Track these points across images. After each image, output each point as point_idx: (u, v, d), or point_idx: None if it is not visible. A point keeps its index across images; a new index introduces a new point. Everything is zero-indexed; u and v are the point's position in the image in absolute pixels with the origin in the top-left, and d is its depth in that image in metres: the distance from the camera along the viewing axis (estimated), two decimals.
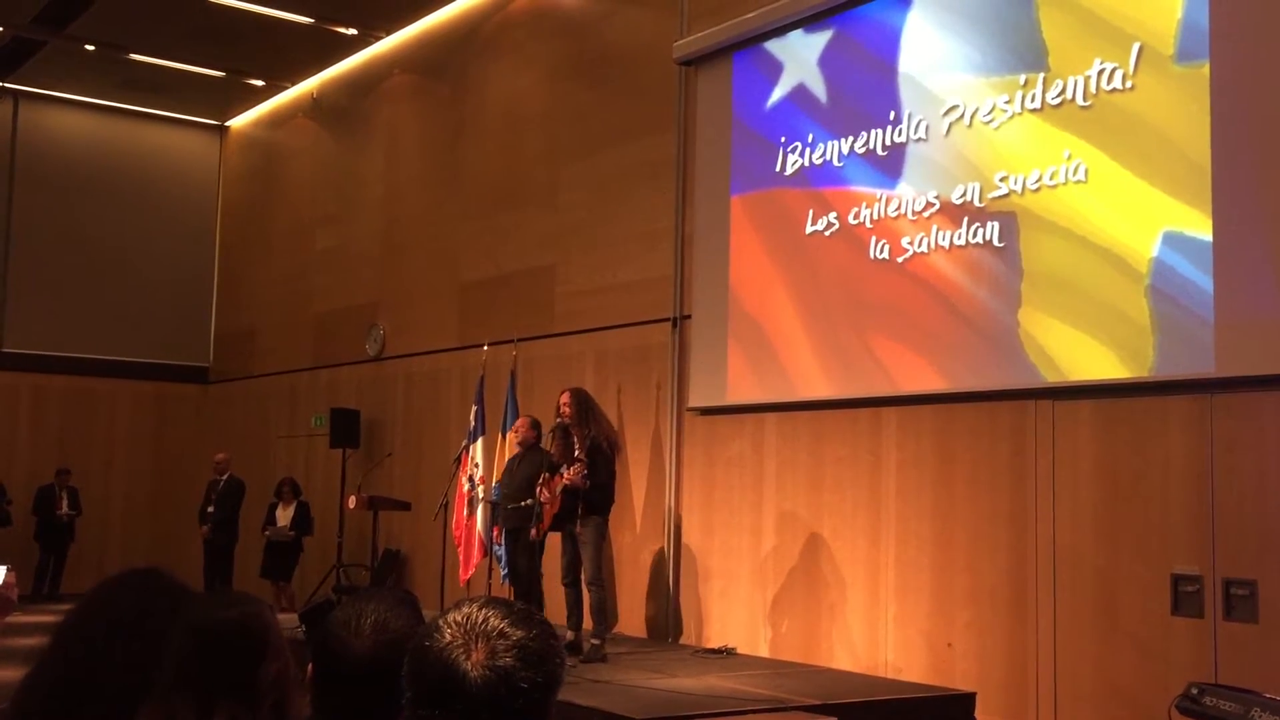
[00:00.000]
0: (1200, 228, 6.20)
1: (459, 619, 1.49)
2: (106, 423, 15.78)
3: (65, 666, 2.18)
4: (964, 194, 7.36)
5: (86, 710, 2.13)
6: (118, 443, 15.82)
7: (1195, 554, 6.15)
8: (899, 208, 7.74)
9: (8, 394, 15.23)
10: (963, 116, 7.43)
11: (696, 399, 9.01)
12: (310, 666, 1.93)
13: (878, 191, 7.88)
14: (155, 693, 2.05)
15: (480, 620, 1.48)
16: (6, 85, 15.11)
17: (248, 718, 2.05)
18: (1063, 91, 6.89)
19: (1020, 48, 7.16)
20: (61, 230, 15.59)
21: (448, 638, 1.47)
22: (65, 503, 14.34)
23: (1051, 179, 6.89)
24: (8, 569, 4.16)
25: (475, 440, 9.89)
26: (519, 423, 8.95)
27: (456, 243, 11.91)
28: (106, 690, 2.13)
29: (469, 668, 1.44)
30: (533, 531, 7.95)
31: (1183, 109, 6.34)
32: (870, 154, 7.97)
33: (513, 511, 8.44)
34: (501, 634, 1.47)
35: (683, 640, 8.95)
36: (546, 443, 8.31)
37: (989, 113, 7.27)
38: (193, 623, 2.10)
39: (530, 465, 8.42)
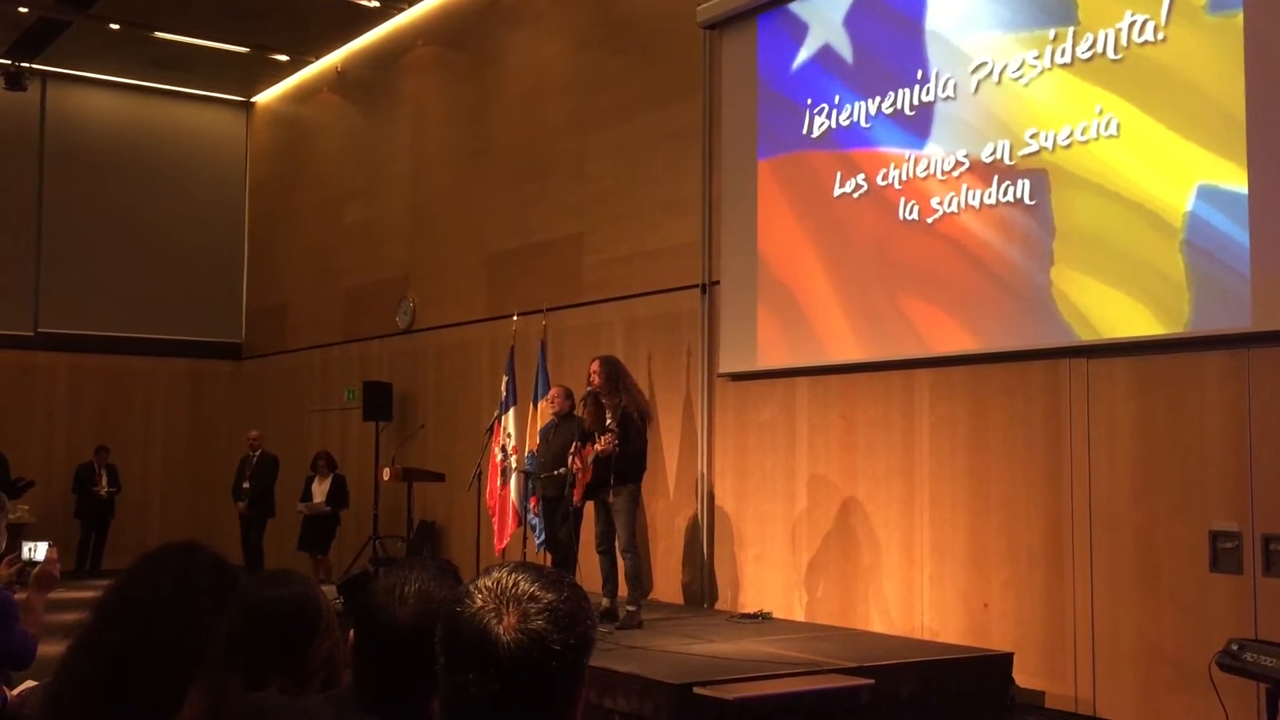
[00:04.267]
0: (1235, 180, 6.11)
1: (489, 584, 1.49)
2: (143, 401, 15.95)
3: (108, 640, 2.21)
4: (994, 152, 7.28)
5: (129, 682, 2.15)
6: (154, 420, 15.99)
7: (1233, 510, 6.10)
8: (928, 168, 7.67)
9: (45, 374, 15.41)
10: (991, 74, 7.34)
11: (727, 365, 8.99)
12: (352, 636, 1.95)
13: (906, 152, 7.81)
14: (207, 668, 2.07)
15: (511, 584, 1.49)
16: (33, 66, 15.16)
17: (297, 693, 2.07)
18: (1093, 45, 6.79)
19: (1049, 2, 7.06)
20: (92, 210, 15.70)
21: (479, 603, 1.47)
22: (105, 480, 14.51)
23: (1083, 134, 6.80)
24: (50, 545, 4.22)
25: (507, 410, 9.91)
26: (554, 392, 8.94)
27: (484, 214, 11.91)
28: (149, 662, 2.15)
29: (501, 632, 1.44)
30: (574, 496, 7.95)
31: (1216, 60, 6.24)
32: (898, 114, 7.89)
33: (549, 480, 8.46)
34: (532, 597, 1.47)
35: (718, 606, 8.97)
36: (578, 411, 8.32)
37: (1018, 69, 7.18)
38: (246, 601, 2.12)
39: (566, 434, 8.43)
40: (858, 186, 8.11)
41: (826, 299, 8.27)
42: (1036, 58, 7.08)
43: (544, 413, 9.23)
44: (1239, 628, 5.82)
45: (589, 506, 8.15)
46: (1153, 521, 6.45)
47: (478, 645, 1.44)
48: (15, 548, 4.36)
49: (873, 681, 6.11)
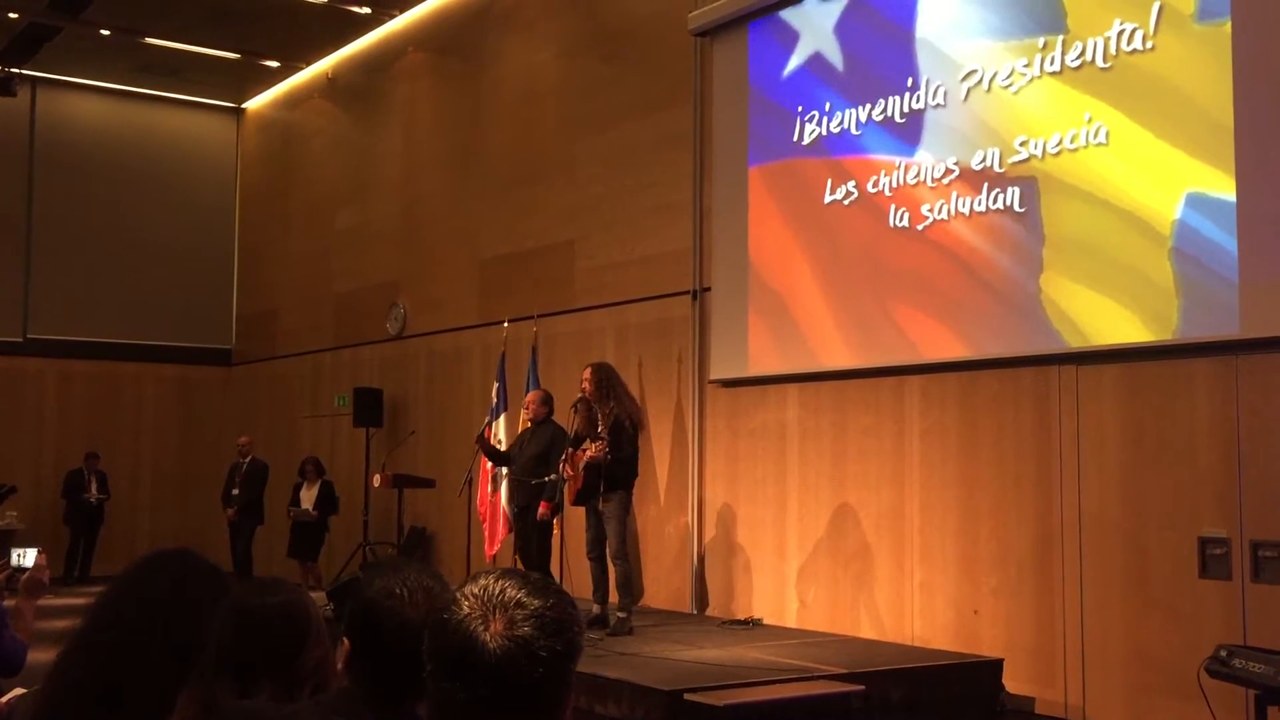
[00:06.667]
0: (1223, 188, 6.14)
1: (476, 591, 1.49)
2: (132, 407, 15.90)
3: (101, 645, 2.21)
4: (984, 160, 7.30)
5: (122, 689, 2.15)
6: (144, 426, 15.94)
7: (1222, 517, 6.12)
8: (918, 175, 7.69)
9: (34, 380, 15.36)
10: (981, 81, 7.36)
11: (718, 371, 9.00)
12: (346, 643, 1.94)
13: (896, 159, 7.83)
14: (197, 675, 2.07)
15: (498, 591, 1.49)
16: (23, 72, 15.13)
17: (288, 700, 2.07)
18: (1082, 53, 6.82)
19: (1038, 10, 7.08)
20: (82, 216, 15.67)
21: (466, 609, 1.48)
22: (94, 486, 14.46)
23: (1072, 142, 6.83)
24: (39, 551, 4.20)
25: (498, 417, 9.91)
26: (529, 397, 8.83)
27: (475, 220, 11.91)
28: (142, 669, 2.15)
29: (488, 639, 1.44)
30: (540, 509, 7.96)
31: (1204, 68, 6.27)
32: (888, 121, 7.91)
33: (520, 488, 8.41)
34: (519, 604, 1.47)
35: (709, 612, 8.96)
36: (568, 418, 8.31)
37: (1008, 77, 7.21)
38: (237, 608, 2.13)
39: (539, 442, 8.38)
40: (848, 193, 8.13)
41: (817, 306, 8.28)
42: (1026, 66, 7.11)
43: (524, 419, 9.17)
44: (1228, 634, 5.84)
45: (579, 513, 8.14)
46: (1142, 528, 6.47)
47: (464, 652, 1.44)
48: (4, 554, 4.34)
49: (863, 688, 6.11)
